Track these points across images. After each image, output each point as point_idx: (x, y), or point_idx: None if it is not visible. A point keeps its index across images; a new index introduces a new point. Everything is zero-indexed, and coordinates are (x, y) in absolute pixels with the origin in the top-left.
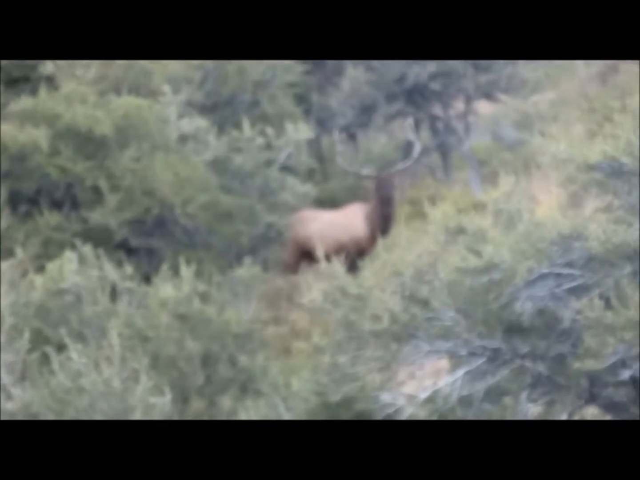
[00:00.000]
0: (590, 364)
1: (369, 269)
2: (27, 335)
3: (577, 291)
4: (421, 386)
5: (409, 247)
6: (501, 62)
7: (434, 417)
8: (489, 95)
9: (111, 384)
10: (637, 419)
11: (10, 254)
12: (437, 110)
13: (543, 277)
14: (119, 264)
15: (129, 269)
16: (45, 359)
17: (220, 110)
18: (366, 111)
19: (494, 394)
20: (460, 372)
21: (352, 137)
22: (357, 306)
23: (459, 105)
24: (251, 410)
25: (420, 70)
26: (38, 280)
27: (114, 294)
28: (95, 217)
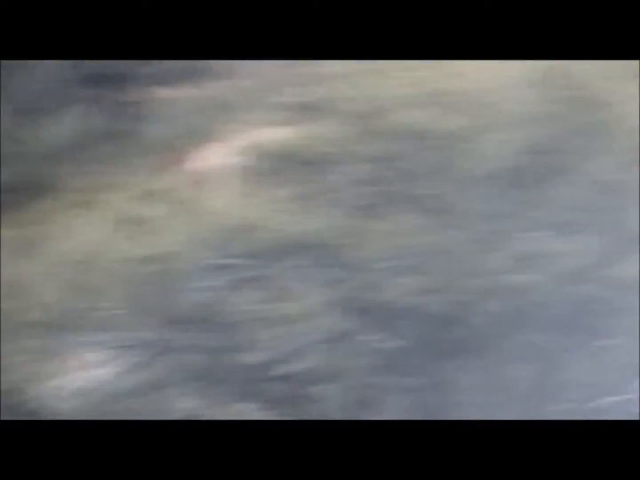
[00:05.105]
0: (248, 358)
1: (28, 257)
2: None
3: (241, 283)
4: (77, 378)
5: (76, 235)
6: None
7: (89, 411)
8: (171, 81)
9: None
10: (314, 418)
11: None
12: (114, 94)
13: (209, 267)
14: None
15: None
16: None
17: None
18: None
19: (152, 388)
20: (117, 364)
21: None
22: (10, 294)
23: (137, 90)
24: None
25: None
26: None
27: None
28: None
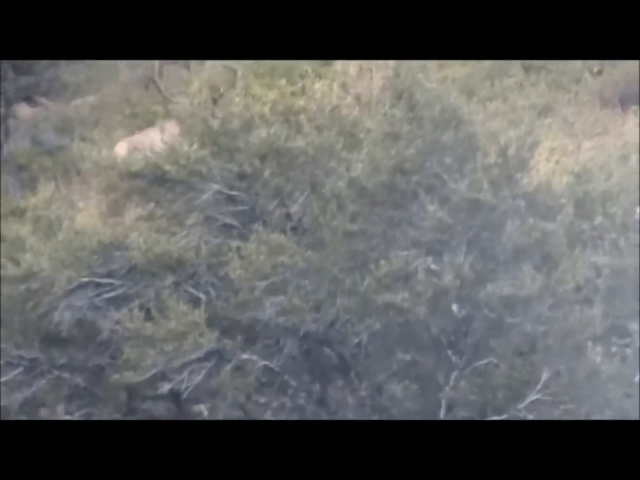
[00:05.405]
0: (129, 376)
1: None
2: None
3: (117, 301)
4: None
5: None
6: (42, 64)
7: None
8: (29, 99)
9: None
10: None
11: None
12: None
13: (82, 286)
14: None
15: None
16: None
17: None
18: None
19: (31, 405)
20: None
21: None
22: None
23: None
24: None
25: None
26: None
27: None
28: None
